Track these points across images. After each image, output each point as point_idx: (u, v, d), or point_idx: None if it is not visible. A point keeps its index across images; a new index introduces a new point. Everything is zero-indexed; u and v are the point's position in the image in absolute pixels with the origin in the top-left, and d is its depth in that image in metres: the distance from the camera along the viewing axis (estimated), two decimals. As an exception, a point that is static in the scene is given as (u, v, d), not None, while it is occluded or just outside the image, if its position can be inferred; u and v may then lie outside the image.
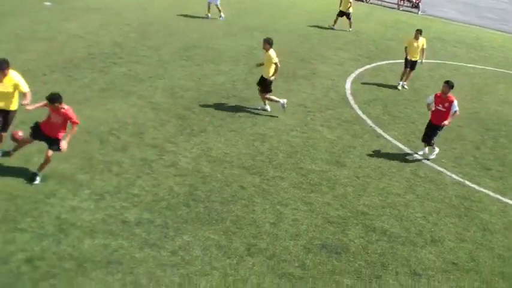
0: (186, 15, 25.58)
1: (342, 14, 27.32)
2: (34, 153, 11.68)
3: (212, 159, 12.53)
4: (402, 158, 14.10)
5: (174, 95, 15.85)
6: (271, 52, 15.01)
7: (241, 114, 15.26)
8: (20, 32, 19.59)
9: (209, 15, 25.64)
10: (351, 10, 27.32)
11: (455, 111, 13.86)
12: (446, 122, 13.80)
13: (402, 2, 37.35)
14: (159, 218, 10.16)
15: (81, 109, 13.98)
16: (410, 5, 37.67)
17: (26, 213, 9.76)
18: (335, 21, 27.40)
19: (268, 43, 15.09)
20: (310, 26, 27.18)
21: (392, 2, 37.51)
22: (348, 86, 19.01)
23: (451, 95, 13.85)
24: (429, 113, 14.31)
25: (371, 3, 37.29)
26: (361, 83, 19.52)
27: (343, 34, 26.37)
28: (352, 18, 27.35)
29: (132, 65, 17.89)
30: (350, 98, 17.83)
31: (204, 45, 21.07)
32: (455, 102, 13.80)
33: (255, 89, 17.12)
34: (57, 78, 15.91)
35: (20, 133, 10.84)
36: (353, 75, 20.26)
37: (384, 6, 37.24)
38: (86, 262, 8.74)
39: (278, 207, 11.08)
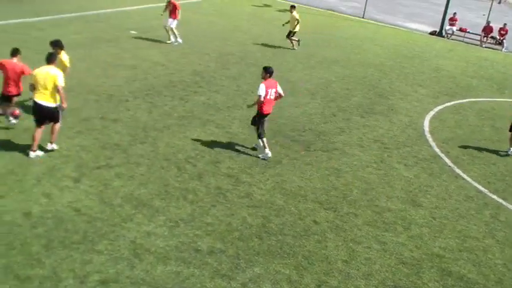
0: (264, 46, 25.91)
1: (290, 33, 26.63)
2: (113, 177, 12.07)
3: (286, 192, 12.54)
4: (481, 200, 13.65)
5: (250, 126, 15.95)
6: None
7: (316, 147, 15.23)
8: (107, 59, 20.38)
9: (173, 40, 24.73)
10: (297, 29, 26.50)
11: None
12: None
13: (485, 38, 36.54)
14: (231, 248, 10.22)
15: (161, 136, 14.40)
16: (494, 42, 36.77)
17: (103, 236, 10.04)
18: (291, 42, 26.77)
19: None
20: (389, 61, 26.96)
21: (475, 38, 36.76)
22: (426, 123, 18.66)
23: None
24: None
25: (452, 39, 36.66)
26: (440, 121, 19.13)
27: (422, 70, 26.01)
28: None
29: (212, 94, 18.24)
30: (428, 135, 17.49)
31: (282, 77, 21.16)
32: None
33: (332, 122, 17.14)
34: (139, 105, 16.39)
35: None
36: (432, 113, 19.89)
37: (466, 42, 36.51)
38: (158, 288, 8.89)
39: (351, 244, 10.93)
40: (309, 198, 12.45)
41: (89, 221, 10.44)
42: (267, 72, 13.84)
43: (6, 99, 13.83)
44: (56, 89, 12.24)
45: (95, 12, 24.66)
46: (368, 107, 19.38)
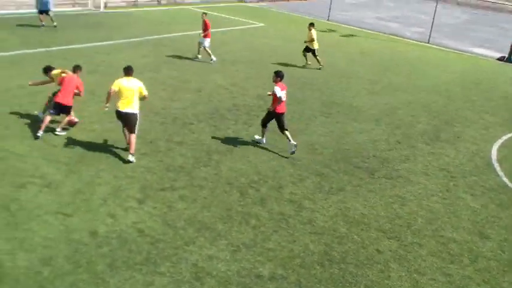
0: (328, 71, 25.88)
1: (307, 49, 26.19)
2: (177, 200, 12.22)
3: (349, 220, 12.39)
4: (553, 234, 13.14)
5: (314, 152, 15.95)
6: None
7: (380, 175, 15.02)
8: (172, 82, 20.78)
9: (199, 56, 25.27)
10: (316, 46, 25.97)
11: None
12: None
13: (557, 65, 35.36)
14: (293, 275, 10.15)
15: (224, 159, 14.51)
16: None
17: (165, 258, 10.16)
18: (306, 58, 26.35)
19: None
20: (455, 87, 26.44)
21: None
22: (494, 152, 18.15)
23: None
24: None
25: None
26: (509, 150, 18.55)
27: (490, 97, 25.34)
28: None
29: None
30: (496, 164, 17.00)
31: (345, 103, 21.13)
32: None
33: (397, 149, 16.90)
34: (203, 128, 16.60)
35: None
36: (500, 141, 19.33)
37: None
38: (219, 313, 8.89)
39: (415, 275, 10.67)
40: (372, 226, 12.26)
41: (152, 242, 10.58)
42: (278, 76, 15.43)
43: (60, 109, 14.80)
44: (138, 97, 13.91)
45: (161, 36, 25.23)
46: (433, 134, 19.02)
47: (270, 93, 15.93)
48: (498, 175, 16.18)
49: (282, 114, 15.48)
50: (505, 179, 15.89)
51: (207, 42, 24.55)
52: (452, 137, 19.09)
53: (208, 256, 10.40)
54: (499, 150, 18.40)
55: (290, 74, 24.19)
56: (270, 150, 15.54)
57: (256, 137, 16.20)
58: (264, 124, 15.84)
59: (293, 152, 15.37)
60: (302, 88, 22.48)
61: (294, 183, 13.82)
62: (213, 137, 16.00)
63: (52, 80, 15.27)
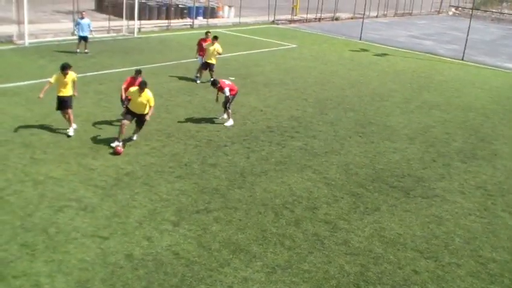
0: (362, 91, 25.83)
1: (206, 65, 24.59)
2: (211, 222, 12.26)
3: (385, 240, 12.27)
4: None
5: (348, 172, 15.88)
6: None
7: (416, 194, 14.86)
8: (206, 105, 20.94)
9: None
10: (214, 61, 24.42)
11: None
12: None
13: None
14: (329, 296, 10.08)
15: (258, 181, 14.55)
16: None
17: (200, 280, 10.17)
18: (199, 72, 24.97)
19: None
20: (491, 104, 26.11)
21: None
22: (533, 169, 17.83)
23: None
24: None
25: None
26: (548, 167, 18.21)
27: (528, 113, 24.95)
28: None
29: (309, 139, 18.29)
30: (535, 182, 16.68)
31: (380, 122, 21.03)
32: None
33: (432, 168, 16.74)
34: (237, 150, 16.68)
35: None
36: (539, 158, 18.99)
37: None
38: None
39: (453, 296, 10.51)
40: (409, 246, 12.11)
41: (187, 264, 10.62)
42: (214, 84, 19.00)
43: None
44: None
45: (194, 60, 25.55)
46: (470, 152, 18.78)
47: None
48: (537, 193, 15.87)
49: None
50: (545, 197, 15.57)
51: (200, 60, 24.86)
52: (489, 154, 18.81)
53: (244, 278, 10.39)
54: (537, 167, 18.06)
55: (323, 95, 24.27)
56: (304, 171, 15.52)
57: (227, 124, 18.93)
58: (228, 107, 19.02)
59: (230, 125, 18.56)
60: (336, 108, 22.45)
61: (328, 203, 13.77)
62: (247, 159, 16.06)
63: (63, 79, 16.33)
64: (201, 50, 24.70)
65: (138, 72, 17.13)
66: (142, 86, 15.74)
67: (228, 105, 18.90)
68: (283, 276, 10.54)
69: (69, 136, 16.33)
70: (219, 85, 18.75)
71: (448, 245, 12.38)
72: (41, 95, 16.09)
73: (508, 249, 12.45)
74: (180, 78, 24.98)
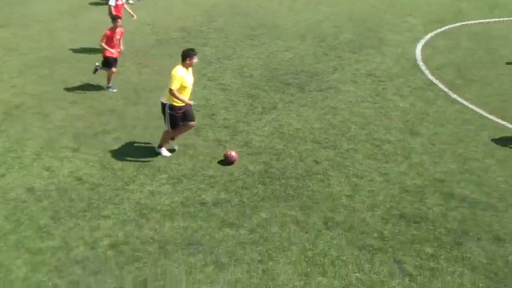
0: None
1: None
2: (111, 142, 12.11)
3: (285, 136, 12.58)
4: (479, 122, 13.68)
5: (243, 75, 15.96)
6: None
7: (311, 88, 15.20)
8: (94, 24, 20.09)
9: None
10: None
11: None
12: None
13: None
14: (236, 197, 10.32)
15: (153, 97, 14.34)
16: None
17: (108, 201, 10.14)
18: None
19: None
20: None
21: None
22: (418, 52, 18.53)
23: None
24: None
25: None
26: (432, 48, 18.98)
27: (412, 1, 25.60)
28: None
29: (200, 47, 18.06)
30: (421, 64, 17.40)
31: (270, 23, 21.03)
32: None
33: (324, 62, 17.09)
34: (128, 67, 16.33)
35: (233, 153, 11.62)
36: (423, 41, 19.72)
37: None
38: (167, 244, 9.01)
39: (353, 179, 11.02)
40: (308, 139, 12.49)
41: (92, 188, 10.52)
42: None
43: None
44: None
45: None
46: (359, 42, 19.23)
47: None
48: (424, 74, 16.61)
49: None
50: (431, 77, 16.34)
51: None
52: (377, 42, 19.35)
53: (151, 192, 10.44)
54: (423, 50, 18.81)
55: (212, 3, 23.83)
56: (199, 80, 15.39)
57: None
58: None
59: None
60: (224, 14, 22.19)
61: (226, 108, 13.87)
62: (140, 75, 15.80)
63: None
64: None
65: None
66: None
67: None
68: (190, 185, 10.67)
69: None
70: None
71: (345, 132, 12.86)
72: None
73: (399, 129, 13.09)
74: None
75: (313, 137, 12.61)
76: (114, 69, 14.84)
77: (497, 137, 12.94)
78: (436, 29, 21.07)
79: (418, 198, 10.46)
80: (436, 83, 15.88)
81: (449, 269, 8.68)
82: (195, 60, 11.25)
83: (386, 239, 9.32)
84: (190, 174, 11.03)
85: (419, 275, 8.54)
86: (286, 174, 11.12)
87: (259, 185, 10.71)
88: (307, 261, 8.73)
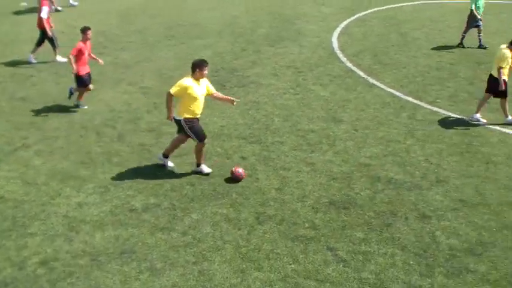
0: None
1: None
2: (32, 156, 11.77)
3: (209, 134, 12.48)
4: (398, 104, 14.09)
5: (162, 77, 15.83)
6: None
7: (232, 84, 15.25)
8: (2, 37, 19.46)
9: None
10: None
11: None
12: None
13: None
14: (166, 200, 10.23)
15: (73, 106, 14.04)
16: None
17: (33, 217, 9.81)
18: None
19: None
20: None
21: None
22: (334, 40, 18.90)
23: None
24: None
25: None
26: (347, 36, 19.40)
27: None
28: None
29: (118, 52, 17.83)
30: (338, 52, 17.75)
31: (188, 22, 20.94)
32: None
33: (243, 57, 17.16)
34: (45, 78, 15.91)
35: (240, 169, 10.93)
36: (338, 29, 20.13)
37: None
38: (100, 256, 8.82)
39: (281, 172, 11.13)
40: (233, 135, 12.53)
41: (16, 205, 10.15)
42: None
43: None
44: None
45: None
46: (276, 35, 19.42)
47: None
48: (342, 62, 16.96)
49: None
50: (349, 64, 16.71)
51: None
52: (294, 34, 19.60)
53: (78, 204, 10.18)
54: (339, 38, 19.20)
55: (127, 6, 23.49)
56: (120, 85, 15.22)
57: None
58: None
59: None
60: (141, 15, 21.93)
61: (149, 112, 13.72)
62: (57, 85, 15.39)
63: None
64: None
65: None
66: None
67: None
68: (117, 192, 10.49)
69: None
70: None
71: (269, 126, 12.96)
72: None
73: (322, 117, 13.31)
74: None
75: (238, 133, 12.65)
76: (91, 87, 13.89)
77: (415, 117, 13.37)
78: (349, 17, 21.57)
79: (345, 185, 10.67)
80: (355, 69, 16.25)
81: (381, 251, 8.90)
82: (206, 72, 10.66)
83: (318, 227, 9.46)
84: (117, 181, 10.84)
85: (353, 259, 8.71)
86: (214, 173, 11.10)
87: (188, 186, 10.65)
88: (242, 258, 8.75)
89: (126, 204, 10.15)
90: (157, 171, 11.14)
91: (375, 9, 22.65)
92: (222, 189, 10.55)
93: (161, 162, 11.36)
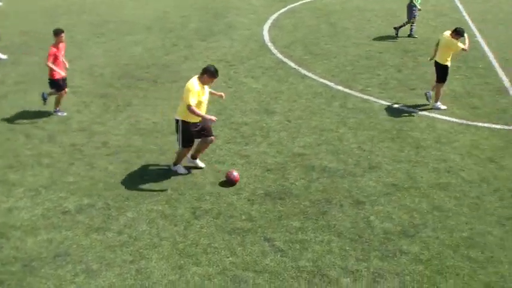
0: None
1: None
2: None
3: (142, 132, 12.41)
4: (329, 93, 14.28)
5: (93, 75, 15.53)
6: None
7: (163, 80, 15.10)
8: None
9: None
10: None
11: None
12: None
13: None
14: (99, 200, 10.04)
15: (-1, 107, 13.62)
16: None
17: (-39, 226, 9.47)
18: None
19: None
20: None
21: None
22: (265, 33, 18.99)
23: None
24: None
25: None
26: (278, 28, 19.52)
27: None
28: None
29: (45, 51, 17.23)
30: (269, 44, 17.84)
31: (116, 19, 20.60)
32: None
33: (175, 52, 17.02)
34: (-32, 81, 15.35)
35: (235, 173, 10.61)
36: (269, 22, 20.23)
37: None
38: (32, 261, 8.56)
39: (216, 165, 11.10)
40: (166, 131, 12.40)
41: None
42: None
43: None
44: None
45: None
46: (207, 29, 19.35)
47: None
48: (273, 53, 17.06)
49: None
50: (280, 56, 16.81)
51: None
52: (225, 28, 19.58)
53: (7, 209, 9.85)
54: (269, 30, 19.30)
55: (53, 4, 22.93)
56: (47, 86, 14.78)
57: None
58: None
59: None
60: (67, 13, 21.43)
61: (79, 111, 13.43)
62: (-19, 88, 14.90)
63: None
64: None
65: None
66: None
67: None
68: (49, 195, 10.22)
69: None
70: None
71: (203, 120, 12.88)
72: None
73: (255, 110, 13.36)
74: None
75: (171, 129, 12.47)
76: (66, 90, 13.35)
77: (347, 106, 13.58)
78: (279, 9, 21.71)
79: (280, 175, 10.74)
80: (286, 61, 16.36)
81: (318, 239, 9.01)
82: (213, 82, 10.57)
83: (254, 219, 9.49)
84: (48, 183, 10.56)
85: (290, 248, 8.78)
86: (148, 170, 10.98)
87: (122, 185, 10.48)
88: (179, 254, 8.69)
89: (59, 206, 9.90)
90: (91, 172, 10.92)
91: (305, 0, 22.86)
92: (156, 186, 10.43)
93: (191, 164, 11.04)
